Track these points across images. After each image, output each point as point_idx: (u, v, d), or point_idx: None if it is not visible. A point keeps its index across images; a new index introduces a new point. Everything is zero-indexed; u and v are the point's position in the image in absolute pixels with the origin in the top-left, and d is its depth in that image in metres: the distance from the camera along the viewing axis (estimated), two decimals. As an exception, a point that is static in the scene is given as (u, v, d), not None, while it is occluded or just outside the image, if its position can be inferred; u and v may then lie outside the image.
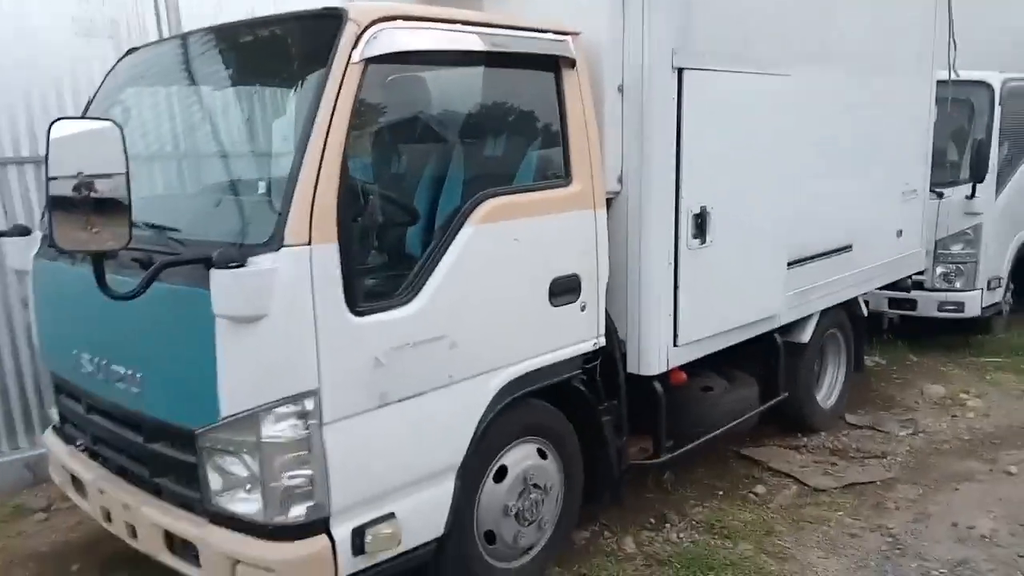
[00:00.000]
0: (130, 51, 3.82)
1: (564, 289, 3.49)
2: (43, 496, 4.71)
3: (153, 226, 2.91)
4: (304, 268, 2.63)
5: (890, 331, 7.68)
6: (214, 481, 2.82)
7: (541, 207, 3.39)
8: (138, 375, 2.97)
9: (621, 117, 3.73)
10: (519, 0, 3.66)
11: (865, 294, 5.92)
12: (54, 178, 2.38)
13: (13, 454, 4.95)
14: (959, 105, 6.94)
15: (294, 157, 2.68)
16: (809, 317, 5.16)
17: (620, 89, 3.71)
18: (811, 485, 4.80)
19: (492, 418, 3.27)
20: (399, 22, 2.91)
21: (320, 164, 2.66)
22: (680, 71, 3.74)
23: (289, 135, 3.11)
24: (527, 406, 3.49)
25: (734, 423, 4.62)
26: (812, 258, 4.96)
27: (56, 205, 2.41)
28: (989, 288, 7.48)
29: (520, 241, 3.29)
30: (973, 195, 7.17)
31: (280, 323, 2.63)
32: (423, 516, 3.10)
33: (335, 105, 2.70)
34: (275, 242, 2.60)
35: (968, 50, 6.29)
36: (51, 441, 3.74)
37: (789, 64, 4.33)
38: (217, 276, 2.53)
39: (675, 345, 3.96)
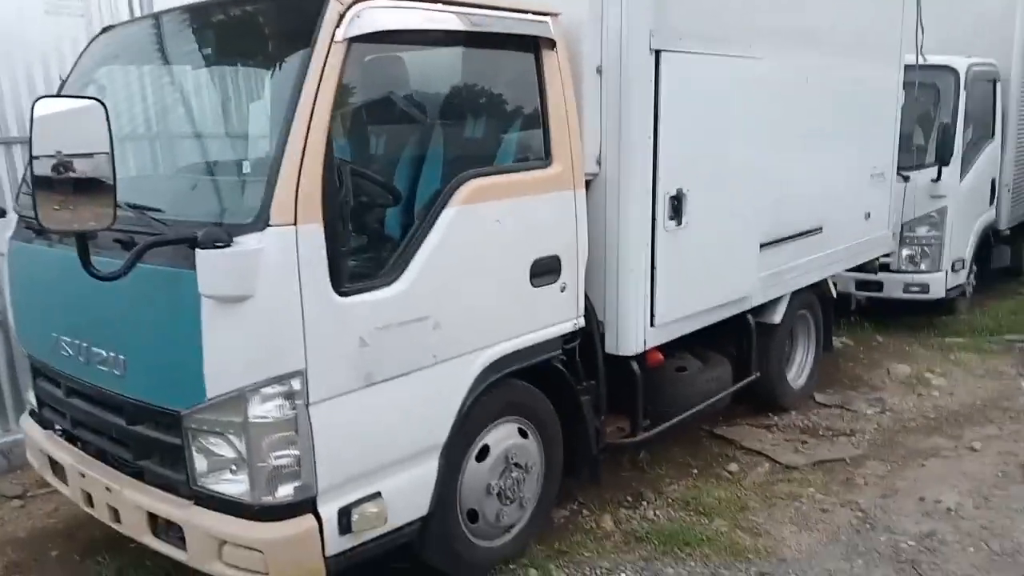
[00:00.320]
0: (105, 29, 3.76)
1: (545, 270, 3.51)
2: (18, 483, 4.65)
3: (134, 206, 2.87)
4: (290, 248, 2.63)
5: (857, 312, 7.79)
6: (199, 462, 2.81)
7: (522, 188, 3.41)
8: (121, 357, 2.95)
9: (600, 99, 3.75)
10: None
11: (834, 276, 6.03)
12: (38, 157, 2.34)
13: (-13, 441, 4.85)
14: (925, 89, 7.06)
15: (279, 137, 2.67)
16: (781, 298, 5.24)
17: (599, 70, 3.73)
18: (783, 463, 4.89)
19: (475, 398, 3.30)
20: (381, 1, 2.90)
21: (305, 144, 2.65)
22: (658, 53, 3.76)
23: (272, 115, 3.08)
24: (509, 386, 3.52)
25: (708, 403, 4.69)
26: (784, 240, 5.03)
27: (40, 184, 2.38)
28: (953, 270, 7.63)
29: (501, 222, 3.31)
30: (939, 178, 7.30)
31: (266, 303, 2.63)
32: (408, 495, 3.13)
33: (319, 84, 2.70)
34: (261, 222, 2.59)
35: (932, 36, 6.37)
36: (28, 426, 3.69)
37: (763, 47, 4.38)
38: (203, 256, 2.52)
39: (652, 325, 4.01)
